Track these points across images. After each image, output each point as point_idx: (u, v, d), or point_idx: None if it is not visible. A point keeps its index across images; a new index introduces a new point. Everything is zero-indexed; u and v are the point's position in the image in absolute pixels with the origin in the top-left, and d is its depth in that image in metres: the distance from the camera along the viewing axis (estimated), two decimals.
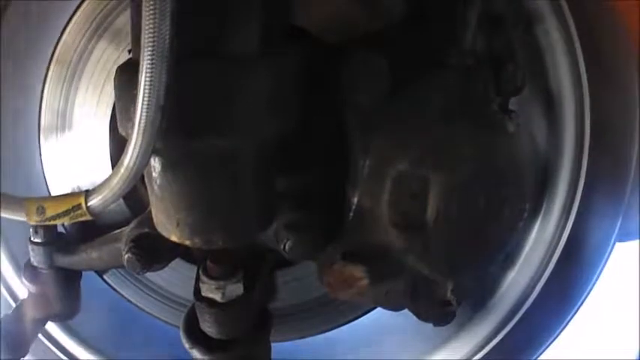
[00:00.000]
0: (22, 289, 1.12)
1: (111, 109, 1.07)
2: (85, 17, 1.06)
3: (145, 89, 0.65)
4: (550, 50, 0.98)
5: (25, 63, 1.11)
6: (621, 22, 0.94)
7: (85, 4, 1.06)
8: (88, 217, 0.78)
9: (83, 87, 1.09)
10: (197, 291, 0.91)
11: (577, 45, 0.96)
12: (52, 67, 1.10)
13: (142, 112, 0.66)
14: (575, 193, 1.02)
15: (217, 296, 0.89)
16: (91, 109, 1.09)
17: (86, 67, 1.08)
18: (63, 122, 1.11)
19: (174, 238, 0.83)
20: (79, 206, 0.76)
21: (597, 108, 0.98)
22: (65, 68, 1.09)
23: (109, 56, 1.06)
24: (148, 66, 0.64)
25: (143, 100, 0.66)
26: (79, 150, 1.12)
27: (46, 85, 1.11)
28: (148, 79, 0.65)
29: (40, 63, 1.10)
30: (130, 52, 0.84)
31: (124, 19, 1.03)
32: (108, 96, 1.07)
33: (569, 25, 0.95)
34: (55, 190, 1.15)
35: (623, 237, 1.07)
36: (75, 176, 1.13)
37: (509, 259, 1.06)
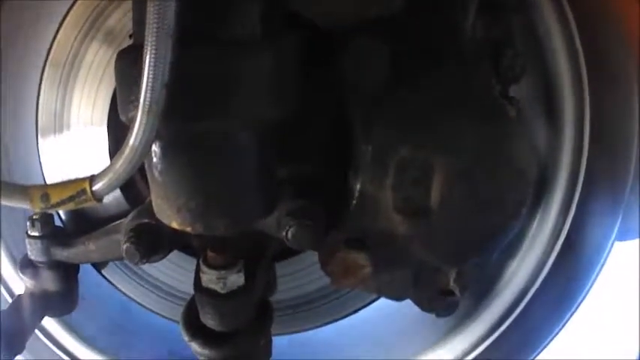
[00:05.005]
0: (22, 288, 1.10)
1: (107, 110, 1.07)
2: (77, 18, 1.07)
3: (149, 67, 0.65)
4: (550, 48, 0.99)
5: (19, 64, 1.11)
6: (620, 23, 0.95)
7: (76, 6, 1.07)
8: (93, 203, 0.76)
9: (79, 87, 1.09)
10: (197, 282, 0.90)
11: (577, 43, 0.96)
12: (47, 68, 1.10)
13: (146, 90, 0.65)
14: (573, 191, 1.02)
15: (218, 287, 0.87)
16: (87, 109, 1.09)
17: (81, 67, 1.08)
18: (60, 123, 1.12)
19: (175, 225, 0.82)
20: (83, 191, 0.75)
21: (597, 105, 0.98)
22: (60, 69, 1.09)
23: (102, 56, 1.06)
24: (153, 43, 0.64)
25: (148, 79, 0.65)
26: (77, 151, 1.12)
27: (42, 87, 1.11)
28: (152, 56, 0.64)
29: (35, 64, 1.10)
30: (130, 36, 0.84)
31: (116, 18, 1.04)
32: (104, 96, 1.07)
33: (570, 23, 0.96)
34: None
35: (623, 236, 1.06)
36: (74, 177, 1.12)
37: (511, 248, 1.05)
